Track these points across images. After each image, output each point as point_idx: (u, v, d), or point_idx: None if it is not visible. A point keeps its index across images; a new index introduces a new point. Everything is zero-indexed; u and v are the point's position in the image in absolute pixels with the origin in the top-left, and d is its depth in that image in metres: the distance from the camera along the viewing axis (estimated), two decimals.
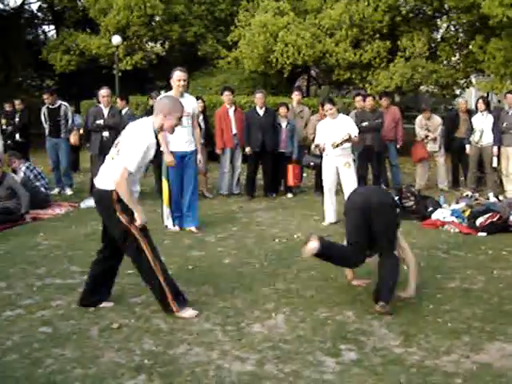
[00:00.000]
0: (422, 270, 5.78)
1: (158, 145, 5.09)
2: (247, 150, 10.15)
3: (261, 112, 10.09)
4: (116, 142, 4.57)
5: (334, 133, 7.96)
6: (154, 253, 4.51)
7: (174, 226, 7.67)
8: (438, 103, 29.19)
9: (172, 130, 4.63)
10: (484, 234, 7.52)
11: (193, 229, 7.62)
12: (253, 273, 5.77)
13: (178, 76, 7.24)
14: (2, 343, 4.08)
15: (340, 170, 8.10)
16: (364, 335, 4.21)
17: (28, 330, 4.29)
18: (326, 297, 5.03)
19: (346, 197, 8.01)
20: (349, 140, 7.94)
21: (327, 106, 8.19)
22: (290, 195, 10.42)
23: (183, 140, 7.41)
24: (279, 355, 3.87)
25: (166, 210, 7.69)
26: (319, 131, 8.27)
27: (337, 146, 7.87)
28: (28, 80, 27.88)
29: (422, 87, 18.64)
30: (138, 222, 4.40)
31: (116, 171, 4.33)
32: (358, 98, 10.97)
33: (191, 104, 7.48)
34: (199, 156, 7.67)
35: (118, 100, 11.70)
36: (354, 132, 8.07)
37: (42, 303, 4.84)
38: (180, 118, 4.63)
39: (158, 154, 7.92)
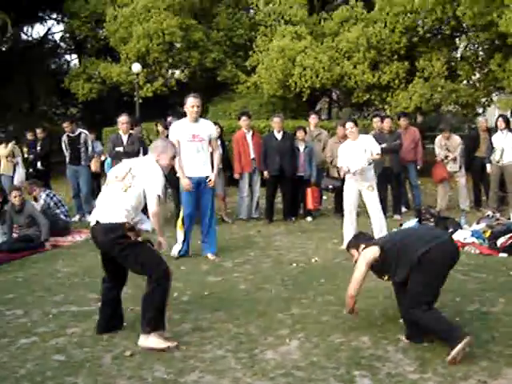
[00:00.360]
0: (441, 293, 5.69)
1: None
2: (265, 174, 10.16)
3: (278, 136, 10.10)
4: (120, 175, 4.69)
5: (355, 154, 7.94)
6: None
7: (178, 253, 7.62)
8: (461, 122, 28.99)
9: (167, 170, 4.99)
10: (505, 254, 7.41)
11: (209, 256, 7.59)
12: (268, 298, 5.74)
13: (191, 102, 7.30)
14: (16, 371, 4.10)
15: (363, 193, 8.09)
16: (379, 361, 4.15)
17: (42, 357, 4.32)
18: (342, 322, 4.98)
19: (372, 220, 8.04)
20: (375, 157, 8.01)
21: (349, 125, 8.14)
22: (309, 219, 10.38)
23: (199, 165, 7.43)
24: (291, 382, 3.83)
25: (179, 236, 7.67)
26: (341, 154, 8.22)
27: (354, 173, 7.90)
28: (52, 108, 28.30)
29: (443, 107, 18.54)
30: (163, 248, 4.80)
31: (130, 202, 4.59)
32: (376, 120, 10.92)
33: (207, 129, 7.53)
34: (212, 175, 7.58)
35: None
36: (377, 150, 8.07)
37: (57, 331, 4.87)
38: (173, 159, 5.00)
39: (175, 179, 8.06)
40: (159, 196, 4.59)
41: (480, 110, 19.18)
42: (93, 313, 5.24)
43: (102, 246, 4.68)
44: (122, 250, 4.54)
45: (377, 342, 4.51)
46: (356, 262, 4.79)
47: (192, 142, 7.36)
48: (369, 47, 16.76)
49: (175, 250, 7.62)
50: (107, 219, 4.55)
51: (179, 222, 7.69)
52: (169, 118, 13.11)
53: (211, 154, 7.69)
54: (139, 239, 4.63)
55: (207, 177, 7.53)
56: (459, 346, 4.02)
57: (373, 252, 4.60)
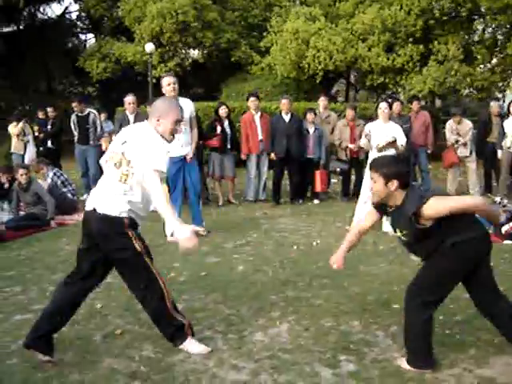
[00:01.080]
0: None
1: None
2: (272, 155, 10.15)
3: (286, 118, 10.07)
4: (115, 159, 3.89)
5: (383, 136, 7.82)
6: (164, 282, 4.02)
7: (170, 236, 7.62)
8: (481, 107, 28.70)
9: (169, 136, 3.98)
10: (510, 241, 7.35)
11: (197, 228, 7.58)
12: (264, 280, 5.75)
13: (166, 81, 7.19)
14: (7, 347, 4.17)
15: None
16: (367, 346, 4.15)
17: None
18: (335, 306, 4.97)
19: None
20: (393, 145, 7.79)
21: (383, 105, 8.04)
22: (316, 201, 10.36)
23: (179, 144, 7.29)
24: (276, 365, 3.84)
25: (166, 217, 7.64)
26: (368, 131, 8.04)
27: (381, 149, 7.75)
28: (69, 88, 28.42)
29: (462, 91, 18.36)
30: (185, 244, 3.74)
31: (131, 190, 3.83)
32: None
33: (187, 108, 7.35)
34: (190, 153, 7.62)
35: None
36: (402, 140, 7.90)
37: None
38: (177, 123, 4.00)
39: None
40: (158, 171, 3.72)
41: (500, 95, 18.97)
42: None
43: (96, 235, 3.87)
44: (122, 248, 3.87)
45: (367, 326, 4.50)
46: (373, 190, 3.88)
47: None
48: (384, 29, 16.65)
49: (167, 232, 7.65)
50: (105, 210, 3.82)
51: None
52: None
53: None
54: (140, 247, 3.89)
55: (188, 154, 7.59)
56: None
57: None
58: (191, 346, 4.02)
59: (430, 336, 3.80)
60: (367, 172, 7.92)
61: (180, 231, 3.70)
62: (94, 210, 3.87)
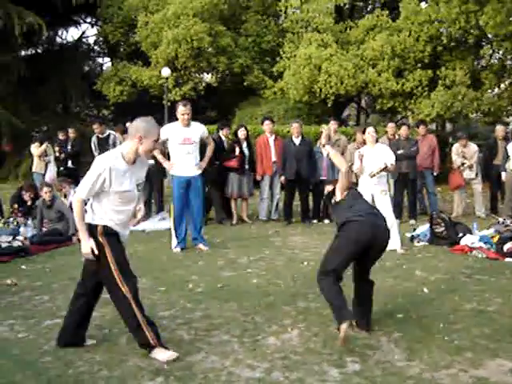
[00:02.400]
0: (441, 293, 6.05)
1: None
2: (281, 179, 10.54)
3: (297, 141, 10.47)
4: None
5: (372, 160, 8.22)
6: (132, 292, 4.30)
7: (175, 247, 8.25)
8: (491, 131, 28.98)
9: (148, 156, 4.45)
10: (511, 259, 7.65)
11: (201, 246, 8.30)
12: (277, 292, 6.12)
13: (181, 111, 8.00)
14: (40, 347, 4.57)
15: (376, 198, 8.31)
16: (371, 349, 4.50)
17: None
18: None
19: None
20: (385, 169, 8.20)
21: (371, 129, 8.45)
22: (326, 221, 10.68)
23: (189, 166, 8.07)
24: (287, 364, 4.20)
25: (172, 233, 8.32)
26: (357, 159, 8.47)
27: (373, 175, 8.16)
28: (85, 110, 29.01)
29: (472, 115, 18.73)
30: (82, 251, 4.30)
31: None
32: (391, 125, 11.32)
33: (198, 132, 8.18)
34: (202, 164, 8.30)
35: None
36: (391, 160, 8.30)
37: None
38: (156, 141, 4.38)
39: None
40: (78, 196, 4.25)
41: (509, 119, 19.30)
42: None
43: None
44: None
45: (372, 333, 4.85)
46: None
47: (183, 144, 8.03)
48: (393, 55, 17.11)
49: (173, 244, 8.29)
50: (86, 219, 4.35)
51: (172, 219, 8.34)
52: (128, 124, 13.50)
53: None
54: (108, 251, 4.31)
55: (197, 176, 8.19)
56: (342, 331, 4.40)
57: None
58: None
59: (340, 294, 4.61)
60: (362, 189, 8.34)
61: (83, 244, 4.29)
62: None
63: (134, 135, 4.27)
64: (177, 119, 8.20)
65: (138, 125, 4.31)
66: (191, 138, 8.06)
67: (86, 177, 4.21)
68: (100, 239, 4.30)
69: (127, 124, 13.64)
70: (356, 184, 10.12)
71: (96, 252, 4.27)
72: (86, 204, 4.35)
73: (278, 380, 3.96)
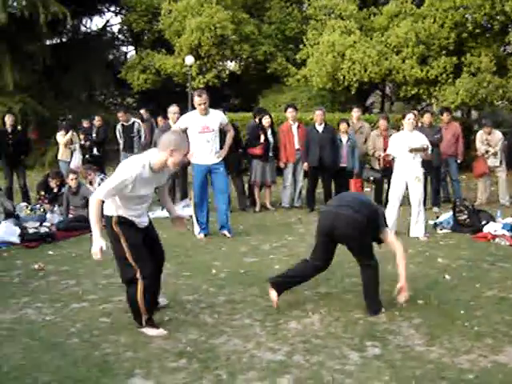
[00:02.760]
0: (463, 280, 6.07)
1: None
2: (304, 165, 10.57)
3: (320, 128, 10.48)
4: None
5: (410, 144, 8.15)
6: (146, 280, 4.52)
7: (198, 234, 8.36)
8: None
9: (176, 167, 4.58)
10: None
11: (226, 233, 8.37)
12: None
13: (197, 101, 8.06)
14: (67, 329, 4.70)
15: (410, 184, 8.29)
16: (391, 334, 4.56)
17: (90, 319, 4.91)
18: (363, 300, 5.36)
19: (412, 211, 8.32)
20: (424, 151, 8.17)
21: (411, 115, 8.37)
22: None
23: (208, 154, 8.12)
24: (308, 348, 4.28)
25: (194, 219, 8.44)
26: (393, 142, 8.43)
27: (412, 150, 8.08)
28: (109, 98, 29.25)
29: (498, 102, 18.53)
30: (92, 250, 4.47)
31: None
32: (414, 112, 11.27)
33: (217, 119, 8.21)
34: (222, 152, 8.31)
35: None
36: (429, 149, 8.30)
37: (105, 298, 5.44)
38: (186, 155, 4.69)
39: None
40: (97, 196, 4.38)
41: None
42: None
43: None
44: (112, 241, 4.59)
45: (392, 319, 4.91)
46: None
47: (202, 133, 8.06)
48: (418, 42, 16.98)
49: (196, 231, 8.39)
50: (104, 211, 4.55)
51: (193, 206, 8.47)
52: (142, 111, 13.54)
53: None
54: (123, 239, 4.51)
55: (218, 163, 8.23)
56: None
57: None
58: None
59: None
60: (395, 177, 8.33)
61: (94, 244, 4.44)
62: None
63: (166, 148, 4.38)
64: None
65: (170, 138, 4.47)
66: (210, 127, 8.09)
67: (111, 179, 4.36)
68: (115, 229, 4.50)
69: (141, 111, 13.71)
70: (383, 172, 10.19)
71: (100, 255, 4.47)
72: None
73: (299, 363, 4.03)
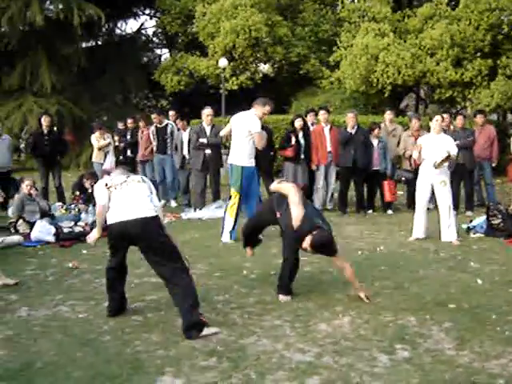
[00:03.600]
0: (495, 284, 6.01)
1: None
2: (337, 168, 10.60)
3: (352, 131, 10.47)
4: None
5: (435, 149, 8.08)
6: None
7: (230, 239, 8.21)
8: None
9: None
10: None
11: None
12: (330, 280, 6.20)
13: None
14: (100, 327, 4.79)
15: (435, 188, 8.24)
16: (421, 338, 4.54)
17: (122, 317, 5.00)
18: (394, 304, 5.37)
19: (440, 215, 8.24)
20: (448, 158, 8.05)
21: (438, 117, 8.34)
22: (390, 211, 10.66)
23: (249, 156, 8.13)
24: (338, 350, 4.29)
25: (230, 223, 8.19)
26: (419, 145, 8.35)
27: (438, 166, 8.01)
28: (144, 100, 29.56)
29: None
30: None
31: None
32: (444, 116, 11.19)
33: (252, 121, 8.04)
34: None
35: (179, 121, 12.14)
36: (454, 151, 8.16)
37: (137, 297, 5.53)
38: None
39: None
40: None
41: None
42: None
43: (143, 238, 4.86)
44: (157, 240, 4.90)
45: (423, 322, 4.88)
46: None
47: (246, 136, 8.01)
48: (452, 44, 16.85)
49: (226, 238, 8.21)
50: (144, 214, 4.90)
51: (232, 209, 8.18)
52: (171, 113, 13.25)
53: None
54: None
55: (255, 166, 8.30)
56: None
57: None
58: None
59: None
60: (421, 181, 8.28)
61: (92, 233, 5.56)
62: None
63: None
64: (239, 110, 8.27)
65: None
66: (251, 130, 8.02)
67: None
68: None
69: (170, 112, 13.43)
70: (415, 173, 10.11)
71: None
72: None
73: (328, 364, 4.05)
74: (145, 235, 4.77)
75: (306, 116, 11.25)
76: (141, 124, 12.43)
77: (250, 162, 8.12)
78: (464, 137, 10.35)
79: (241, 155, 8.03)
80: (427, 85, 18.74)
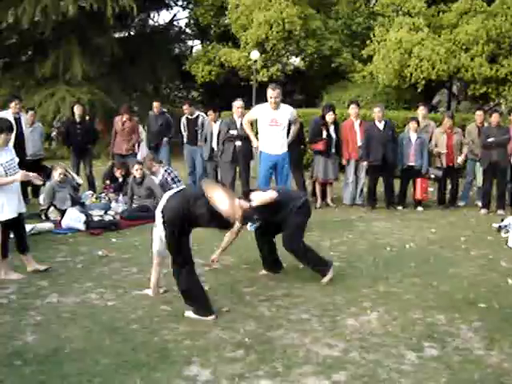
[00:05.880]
0: None
1: None
2: (364, 163, 10.49)
3: (380, 126, 10.36)
4: None
5: None
6: None
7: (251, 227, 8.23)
8: None
9: None
10: None
11: None
12: (357, 275, 6.16)
13: (269, 94, 8.28)
14: (128, 315, 4.83)
15: None
16: (450, 336, 4.50)
17: (151, 306, 5.03)
18: (423, 301, 5.32)
19: None
20: None
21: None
22: (419, 208, 10.52)
23: (277, 146, 8.40)
24: (365, 346, 4.27)
25: None
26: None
27: None
28: (175, 91, 29.64)
29: None
30: None
31: None
32: (479, 113, 11.05)
33: (287, 114, 8.46)
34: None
35: (211, 112, 11.63)
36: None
37: (166, 287, 5.54)
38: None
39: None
40: None
41: None
42: (199, 275, 5.89)
43: None
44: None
45: (452, 320, 4.84)
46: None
47: (271, 126, 8.33)
48: (488, 40, 16.62)
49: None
50: None
51: None
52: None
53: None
54: None
55: (284, 154, 8.44)
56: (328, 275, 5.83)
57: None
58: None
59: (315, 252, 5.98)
60: None
61: None
62: None
63: None
64: (266, 101, 8.37)
65: None
66: (279, 121, 8.31)
67: None
68: None
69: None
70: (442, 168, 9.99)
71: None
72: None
73: (355, 360, 4.03)
74: None
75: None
76: (124, 116, 11.72)
77: (269, 149, 8.41)
78: (499, 134, 10.18)
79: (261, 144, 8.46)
80: (461, 80, 18.49)
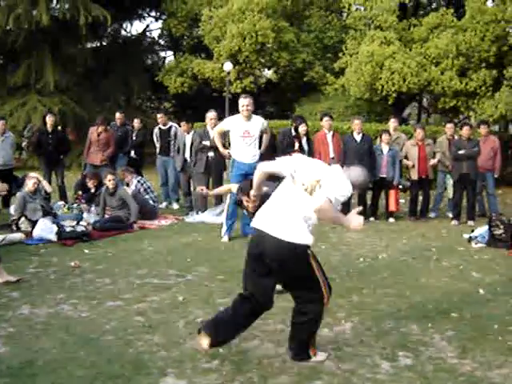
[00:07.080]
0: (497, 295, 6.01)
1: None
2: None
3: (358, 138, 10.45)
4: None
5: None
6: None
7: (224, 236, 8.53)
8: None
9: None
10: None
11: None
12: (332, 286, 6.17)
13: (241, 103, 8.34)
14: (102, 326, 4.78)
15: None
16: (423, 346, 4.53)
17: (124, 318, 4.99)
18: (396, 311, 5.36)
19: None
20: None
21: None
22: (391, 220, 10.62)
23: (248, 156, 8.47)
24: (340, 355, 4.28)
25: (226, 221, 8.55)
26: None
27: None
28: (147, 102, 29.55)
29: None
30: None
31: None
32: (450, 125, 11.24)
33: (258, 125, 8.55)
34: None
35: (184, 123, 11.51)
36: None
37: (140, 298, 5.52)
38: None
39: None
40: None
41: None
42: (172, 285, 5.90)
43: (285, 265, 4.20)
44: (301, 269, 4.32)
45: (425, 330, 4.88)
46: None
47: (243, 137, 8.40)
48: (458, 54, 16.92)
49: (222, 233, 8.57)
50: (291, 238, 4.13)
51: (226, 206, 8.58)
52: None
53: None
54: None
55: (255, 162, 8.29)
56: None
57: None
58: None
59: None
60: None
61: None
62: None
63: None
64: (238, 112, 8.40)
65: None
66: (251, 132, 8.39)
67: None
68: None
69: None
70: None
71: None
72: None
73: (331, 370, 4.04)
74: None
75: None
76: (100, 127, 11.55)
77: (241, 158, 8.48)
78: (469, 147, 10.34)
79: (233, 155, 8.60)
80: (431, 94, 18.75)
